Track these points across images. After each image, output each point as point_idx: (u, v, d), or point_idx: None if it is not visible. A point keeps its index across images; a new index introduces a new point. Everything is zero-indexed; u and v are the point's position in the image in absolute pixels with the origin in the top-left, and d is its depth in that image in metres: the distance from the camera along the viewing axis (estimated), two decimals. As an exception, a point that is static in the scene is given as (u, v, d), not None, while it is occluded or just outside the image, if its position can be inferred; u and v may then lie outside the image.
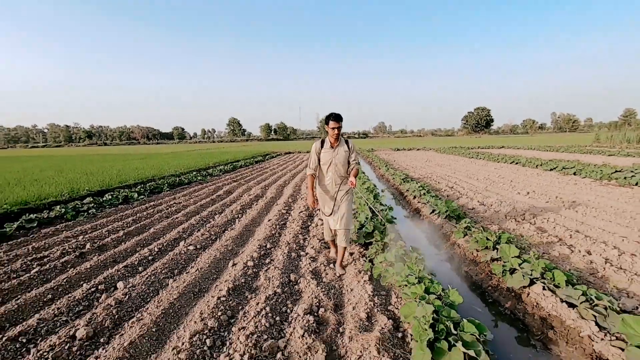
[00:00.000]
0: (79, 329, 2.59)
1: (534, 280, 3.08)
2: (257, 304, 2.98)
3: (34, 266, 3.92)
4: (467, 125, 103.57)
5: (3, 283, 3.45)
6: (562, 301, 2.78)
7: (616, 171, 9.56)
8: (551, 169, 12.10)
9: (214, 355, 2.36)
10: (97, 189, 8.90)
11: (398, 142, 59.07)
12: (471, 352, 2.07)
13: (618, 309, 2.57)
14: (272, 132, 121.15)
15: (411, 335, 2.50)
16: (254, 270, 3.80)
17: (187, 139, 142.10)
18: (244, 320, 2.76)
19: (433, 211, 6.03)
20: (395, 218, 5.77)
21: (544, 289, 2.97)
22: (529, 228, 5.15)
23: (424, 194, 7.28)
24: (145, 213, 6.60)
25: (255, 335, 2.48)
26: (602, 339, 2.33)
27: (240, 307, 3.03)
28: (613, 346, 2.24)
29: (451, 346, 2.16)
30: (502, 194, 8.04)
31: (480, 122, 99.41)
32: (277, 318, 2.80)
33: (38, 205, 7.06)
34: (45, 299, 3.14)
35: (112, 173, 12.18)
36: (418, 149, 31.09)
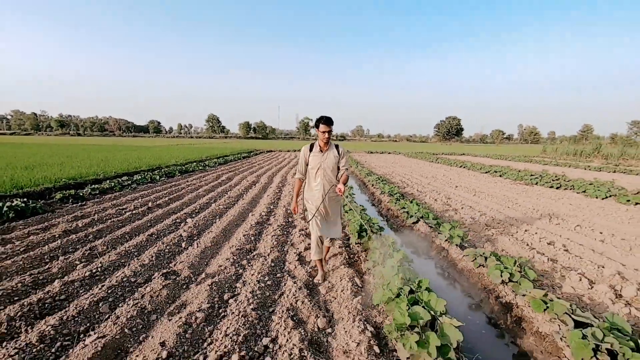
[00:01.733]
0: (182, 235, 4.98)
1: (420, 219, 5.78)
2: (272, 229, 5.46)
3: (123, 213, 6.20)
4: (438, 132, 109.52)
5: (111, 220, 5.74)
6: (430, 227, 5.46)
7: (529, 175, 12.71)
8: (486, 172, 15.25)
9: (256, 245, 4.82)
10: (120, 172, 10.96)
11: (374, 145, 62.49)
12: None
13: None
14: (252, 131, 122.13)
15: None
16: (265, 217, 6.28)
17: (163, 133, 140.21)
18: (266, 235, 5.24)
19: (382, 192, 8.74)
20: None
21: (424, 222, 5.66)
22: (441, 201, 7.94)
23: (378, 182, 10.02)
24: (173, 189, 8.87)
25: (274, 240, 4.97)
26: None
27: (262, 230, 5.51)
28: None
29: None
30: (437, 186, 10.89)
31: (451, 130, 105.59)
32: (285, 232, 5.30)
33: (83, 181, 9.11)
34: (148, 224, 5.49)
35: (122, 161, 14.11)
36: (389, 153, 34.23)
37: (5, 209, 5.56)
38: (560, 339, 2.46)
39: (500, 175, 13.95)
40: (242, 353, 2.31)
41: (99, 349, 2.29)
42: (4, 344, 2.36)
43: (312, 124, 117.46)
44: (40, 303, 2.87)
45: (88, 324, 2.67)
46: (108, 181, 9.06)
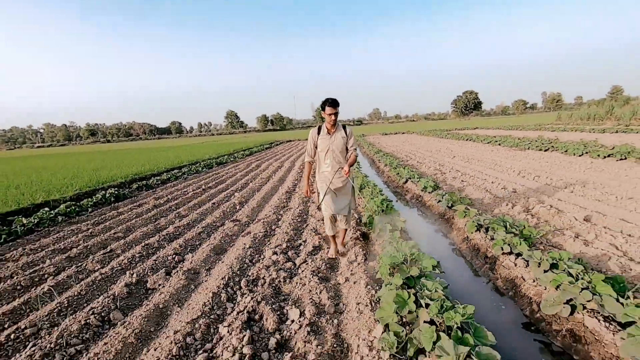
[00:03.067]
0: (235, 202, 7.02)
1: (408, 179, 7.56)
2: (297, 195, 7.40)
3: (187, 193, 8.33)
4: (456, 108, 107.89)
5: (180, 198, 7.88)
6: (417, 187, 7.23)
7: (526, 141, 14.00)
8: (487, 142, 16.55)
9: (287, 204, 6.77)
10: (169, 168, 13.24)
11: (390, 127, 63.24)
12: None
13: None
14: (270, 123, 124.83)
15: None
16: (292, 188, 8.23)
17: (185, 133, 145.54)
18: (293, 199, 7.18)
19: (385, 165, 10.53)
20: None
21: (412, 182, 7.43)
22: (433, 168, 9.63)
23: (383, 157, 11.80)
24: (215, 176, 11.02)
25: (299, 200, 6.91)
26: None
27: (290, 196, 7.46)
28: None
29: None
30: (437, 157, 12.49)
31: (469, 104, 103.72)
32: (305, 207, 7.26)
33: (144, 175, 11.39)
34: (208, 198, 7.60)
35: (165, 159, 16.50)
36: (403, 133, 35.42)
37: (107, 195, 7.82)
38: (467, 228, 4.26)
39: (499, 144, 15.28)
40: (288, 245, 4.29)
41: (211, 248, 4.32)
42: (171, 242, 4.44)
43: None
44: (168, 235, 4.96)
45: (199, 242, 4.72)
46: (165, 174, 11.32)
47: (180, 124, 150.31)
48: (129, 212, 6.55)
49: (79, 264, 4.00)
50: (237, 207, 6.66)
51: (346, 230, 3.92)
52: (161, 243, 4.68)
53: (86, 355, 2.38)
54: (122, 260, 4.04)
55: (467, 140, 19.39)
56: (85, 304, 3.13)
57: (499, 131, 26.47)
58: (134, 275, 3.56)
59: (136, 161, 16.06)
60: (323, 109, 3.33)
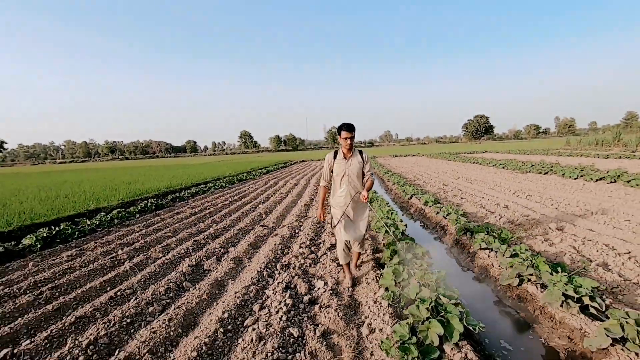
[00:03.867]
0: (260, 212, 8.10)
1: (412, 195, 8.54)
2: (315, 208, 8.45)
3: (217, 204, 9.46)
4: (467, 132, 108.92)
5: (212, 208, 9.01)
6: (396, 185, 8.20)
7: (529, 165, 14.86)
8: (493, 165, 17.41)
9: (307, 214, 7.81)
10: (195, 183, 14.49)
11: (400, 149, 64.41)
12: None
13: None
14: (282, 144, 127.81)
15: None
16: (309, 201, 9.27)
17: (199, 152, 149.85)
18: (311, 209, 8.23)
19: (393, 183, 11.54)
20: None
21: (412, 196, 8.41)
22: (436, 186, 10.58)
23: (392, 176, 12.82)
24: (237, 191, 12.17)
25: (315, 221, 7.95)
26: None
27: (309, 208, 8.51)
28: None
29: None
30: (442, 178, 13.43)
31: (480, 128, 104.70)
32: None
33: (174, 189, 12.63)
34: (236, 209, 8.70)
35: (189, 175, 17.87)
36: (413, 155, 36.47)
37: (149, 204, 9.01)
38: (456, 232, 5.20)
39: (503, 167, 16.13)
40: (310, 243, 5.30)
41: (248, 244, 5.37)
42: (214, 240, 5.51)
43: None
44: (210, 235, 6.05)
45: (237, 240, 5.78)
46: (193, 188, 12.57)
47: (195, 142, 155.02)
48: (171, 218, 7.69)
49: (145, 253, 5.09)
50: (263, 216, 7.73)
51: (360, 254, 3.92)
52: (206, 240, 5.75)
53: (175, 304, 3.41)
54: (179, 251, 5.12)
55: (473, 163, 20.29)
56: (161, 278, 4.19)
57: (506, 155, 27.26)
58: (193, 260, 4.63)
59: (161, 176, 17.46)
60: (339, 133, 3.36)
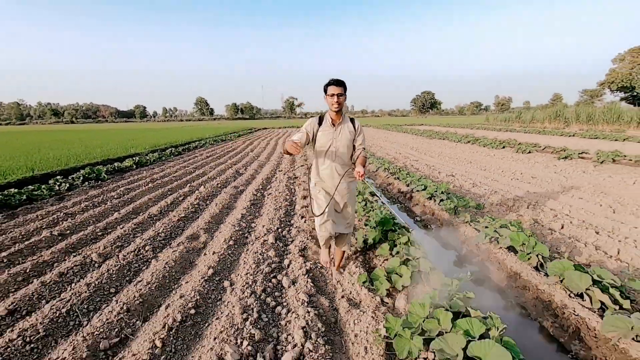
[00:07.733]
0: (252, 155, 11.76)
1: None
2: (286, 159, 12.31)
3: (204, 158, 12.89)
4: (414, 107, 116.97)
5: (195, 162, 12.50)
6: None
7: (461, 137, 19.77)
8: (421, 135, 22.27)
9: (279, 165, 11.64)
10: (161, 147, 17.37)
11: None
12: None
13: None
14: (239, 112, 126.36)
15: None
16: (281, 155, 13.07)
17: (149, 117, 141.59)
18: (283, 161, 12.06)
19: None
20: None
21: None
22: (377, 151, 14.91)
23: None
24: (219, 151, 15.53)
25: (288, 162, 11.82)
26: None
27: (282, 159, 12.34)
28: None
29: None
30: (380, 144, 17.86)
31: (426, 103, 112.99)
32: (292, 159, 12.20)
33: (179, 144, 15.58)
34: (225, 160, 12.29)
35: (150, 139, 20.38)
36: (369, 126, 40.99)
37: (137, 160, 12.10)
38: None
39: (429, 137, 21.03)
40: (289, 168, 9.23)
41: (254, 168, 9.16)
42: (205, 184, 9.20)
43: (297, 102, 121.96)
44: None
45: (245, 168, 9.51)
46: (192, 144, 15.78)
47: (144, 108, 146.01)
48: (194, 158, 11.09)
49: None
50: (253, 157, 11.44)
51: (344, 252, 3.20)
52: (227, 167, 9.38)
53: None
54: (194, 184, 8.74)
55: (404, 132, 25.21)
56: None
57: (435, 127, 32.71)
58: (207, 184, 8.32)
59: (122, 141, 17.49)
60: (325, 91, 2.64)
